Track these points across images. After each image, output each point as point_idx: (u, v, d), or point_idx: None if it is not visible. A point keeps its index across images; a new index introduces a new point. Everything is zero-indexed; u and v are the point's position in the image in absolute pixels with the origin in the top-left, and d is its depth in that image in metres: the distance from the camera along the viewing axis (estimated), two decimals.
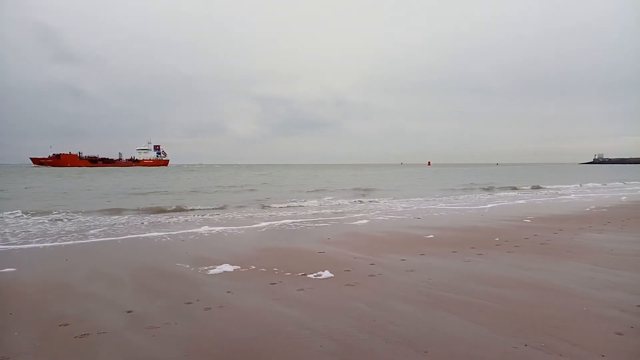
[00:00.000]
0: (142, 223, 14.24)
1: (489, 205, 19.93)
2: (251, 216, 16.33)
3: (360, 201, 22.90)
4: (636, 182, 41.66)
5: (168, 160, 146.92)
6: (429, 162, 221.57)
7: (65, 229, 12.91)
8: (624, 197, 23.64)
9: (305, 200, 22.97)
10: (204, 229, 12.77)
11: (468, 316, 5.14)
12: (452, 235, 11.27)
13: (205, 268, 7.78)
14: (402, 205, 20.75)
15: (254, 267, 7.80)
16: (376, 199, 23.95)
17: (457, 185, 38.18)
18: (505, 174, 69.54)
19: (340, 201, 22.89)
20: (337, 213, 17.26)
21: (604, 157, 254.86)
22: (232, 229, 12.87)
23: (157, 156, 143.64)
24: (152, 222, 14.47)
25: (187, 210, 18.34)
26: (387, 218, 15.35)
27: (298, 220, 14.71)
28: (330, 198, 24.52)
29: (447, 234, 11.39)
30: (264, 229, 12.85)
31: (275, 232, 12.31)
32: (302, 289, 6.38)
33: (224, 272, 7.54)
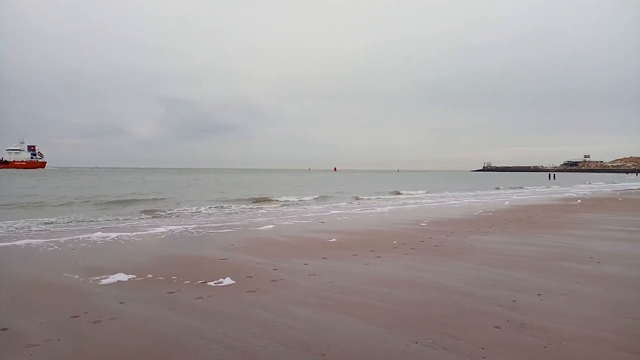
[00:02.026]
0: (18, 229, 12.99)
1: (388, 209, 20.86)
2: (150, 222, 15.60)
3: (259, 207, 22.83)
4: (510, 188, 46.02)
5: (45, 162, 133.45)
6: (335, 168, 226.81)
7: None
8: (507, 202, 25.96)
9: (209, 207, 22.41)
10: (97, 235, 11.95)
11: (365, 317, 5.32)
12: (353, 238, 11.62)
13: (97, 278, 7.28)
14: (310, 209, 21.05)
15: (150, 276, 7.44)
16: (285, 204, 24.03)
17: (367, 190, 39.53)
18: (407, 180, 73.35)
19: (243, 206, 22.66)
20: (242, 218, 17.06)
21: (492, 165, 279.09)
22: (128, 235, 12.17)
23: (32, 157, 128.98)
24: (34, 229, 13.26)
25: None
26: (292, 223, 15.46)
27: (201, 227, 14.30)
28: (231, 204, 24.16)
29: (349, 238, 11.72)
30: (163, 236, 12.32)
31: (175, 239, 11.86)
32: (202, 297, 6.20)
33: (118, 282, 7.10)
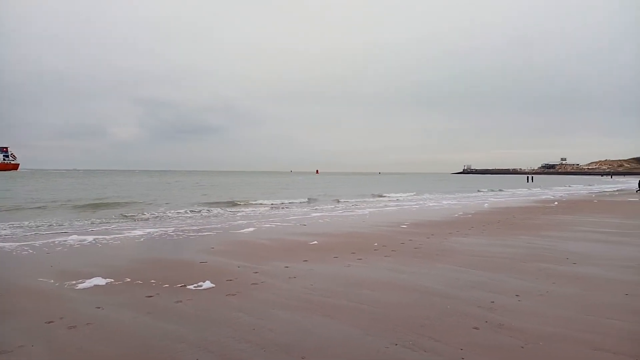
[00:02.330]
0: None
1: (368, 211, 20.96)
2: (128, 225, 15.38)
3: (240, 210, 22.73)
4: (490, 190, 46.68)
5: (18, 164, 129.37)
6: (317, 170, 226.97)
7: None
8: (486, 204, 26.31)
9: (189, 210, 22.21)
10: (74, 238, 11.72)
11: (345, 320, 5.32)
12: (334, 241, 11.63)
13: (74, 282, 7.13)
14: (291, 211, 21.01)
15: (129, 280, 7.32)
16: (266, 206, 23.94)
17: (352, 192, 39.61)
18: (388, 182, 73.76)
19: (223, 208, 22.52)
20: (222, 221, 16.94)
21: (472, 168, 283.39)
22: (105, 238, 11.97)
23: (4, 159, 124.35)
24: (6, 233, 12.95)
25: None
26: (273, 225, 15.40)
27: (180, 230, 14.15)
28: (212, 207, 23.98)
29: (330, 240, 11.72)
30: (142, 239, 12.14)
31: (154, 242, 11.71)
32: (181, 301, 6.13)
33: (95, 286, 6.97)
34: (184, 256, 9.57)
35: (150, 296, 6.39)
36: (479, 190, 46.86)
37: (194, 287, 6.87)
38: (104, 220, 17.16)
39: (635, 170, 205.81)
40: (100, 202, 26.87)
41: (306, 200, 30.87)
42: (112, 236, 12.43)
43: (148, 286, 6.95)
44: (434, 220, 17.01)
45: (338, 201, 30.19)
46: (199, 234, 13.24)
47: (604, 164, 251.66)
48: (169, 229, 14.29)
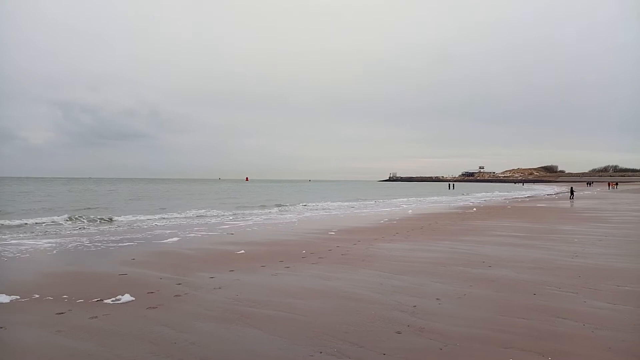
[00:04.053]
0: None
1: (297, 218, 21.00)
2: (39, 235, 14.29)
3: (166, 219, 21.99)
4: (414, 197, 48.62)
5: None
6: (247, 178, 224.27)
7: None
8: (410, 211, 27.28)
9: (108, 219, 21.09)
10: None
11: (271, 329, 5.25)
12: (262, 249, 11.51)
13: None
14: (218, 220, 20.57)
15: (37, 296, 6.78)
16: (191, 216, 23.26)
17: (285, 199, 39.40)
18: (318, 189, 74.43)
19: (146, 217, 21.64)
20: (144, 230, 16.22)
21: (397, 176, 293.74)
22: (9, 251, 11.03)
23: None
24: None
25: None
26: (199, 235, 14.97)
27: (98, 240, 13.37)
28: (134, 215, 22.96)
29: (258, 249, 11.58)
30: (54, 251, 11.33)
31: (68, 254, 10.96)
32: (96, 317, 5.76)
33: None
34: (102, 268, 9.04)
35: (62, 313, 5.96)
36: (403, 197, 48.53)
37: (112, 301, 6.49)
38: (9, 231, 15.80)
39: (544, 178, 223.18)
40: (4, 211, 24.79)
41: (234, 207, 30.37)
42: (19, 248, 11.48)
43: (59, 302, 6.48)
44: (361, 227, 17.36)
45: (267, 208, 30.00)
46: (119, 244, 12.58)
47: (517, 172, 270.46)
48: (84, 238, 13.45)
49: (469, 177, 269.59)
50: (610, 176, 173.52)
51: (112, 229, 16.85)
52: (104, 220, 20.23)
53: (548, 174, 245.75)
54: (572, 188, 48.09)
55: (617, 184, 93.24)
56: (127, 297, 6.64)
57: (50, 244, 12.40)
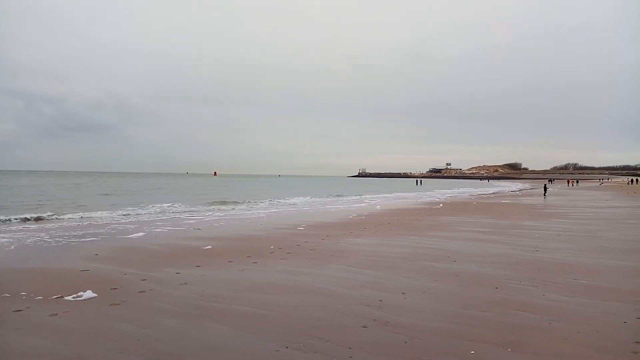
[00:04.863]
0: None
1: (265, 213, 20.92)
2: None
3: (129, 214, 21.55)
4: (382, 192, 49.16)
5: None
6: (215, 172, 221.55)
7: None
8: (379, 207, 27.55)
9: (70, 214, 20.51)
10: None
11: (237, 325, 5.23)
12: (230, 245, 11.41)
13: None
14: (185, 215, 20.28)
15: None
16: (158, 211, 22.85)
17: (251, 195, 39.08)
18: (287, 184, 74.25)
19: (110, 212, 21.15)
20: (108, 225, 15.85)
21: (366, 172, 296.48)
22: None
23: None
24: None
25: None
26: (165, 230, 14.72)
27: (59, 235, 12.98)
28: (97, 211, 22.41)
29: (225, 244, 11.48)
30: (12, 247, 10.94)
31: (27, 249, 10.60)
32: (56, 314, 5.60)
33: None
34: (63, 264, 8.79)
35: (19, 310, 5.76)
36: (371, 193, 48.97)
37: (73, 297, 6.33)
38: None
39: (508, 175, 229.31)
40: None
41: (202, 202, 29.97)
42: None
43: (17, 299, 6.27)
44: (329, 222, 17.42)
45: (236, 203, 29.74)
46: (81, 239, 12.24)
47: (483, 169, 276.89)
48: (42, 234, 13.04)
49: (436, 173, 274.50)
50: (571, 174, 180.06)
51: (74, 225, 16.37)
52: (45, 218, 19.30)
53: (512, 171, 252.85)
54: (545, 185, 51.15)
55: (577, 181, 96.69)
56: (89, 294, 6.48)
57: (6, 239, 11.97)
